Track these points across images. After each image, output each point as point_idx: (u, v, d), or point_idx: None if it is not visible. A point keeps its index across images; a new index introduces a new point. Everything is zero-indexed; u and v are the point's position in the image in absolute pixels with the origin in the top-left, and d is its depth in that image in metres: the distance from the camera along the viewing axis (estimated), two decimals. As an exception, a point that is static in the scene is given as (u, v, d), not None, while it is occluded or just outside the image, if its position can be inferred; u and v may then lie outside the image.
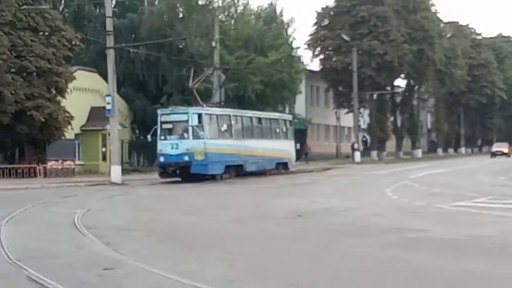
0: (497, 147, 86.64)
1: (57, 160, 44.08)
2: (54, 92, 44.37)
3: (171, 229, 17.92)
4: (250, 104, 55.28)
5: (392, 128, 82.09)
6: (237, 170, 41.23)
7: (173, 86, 55.80)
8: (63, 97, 44.99)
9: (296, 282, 10.41)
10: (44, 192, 31.78)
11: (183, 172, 37.48)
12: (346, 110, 75.97)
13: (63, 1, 58.48)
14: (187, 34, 54.63)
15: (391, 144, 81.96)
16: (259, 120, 45.51)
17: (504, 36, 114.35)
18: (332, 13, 74.70)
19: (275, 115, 50.03)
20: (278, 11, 64.45)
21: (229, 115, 41.89)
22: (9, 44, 41.20)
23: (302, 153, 65.00)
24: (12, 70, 41.64)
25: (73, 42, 45.64)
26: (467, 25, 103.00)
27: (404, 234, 15.78)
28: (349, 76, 68.27)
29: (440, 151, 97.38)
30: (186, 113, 38.16)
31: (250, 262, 12.46)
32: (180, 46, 57.07)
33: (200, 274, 10.82)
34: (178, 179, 38.22)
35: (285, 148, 47.58)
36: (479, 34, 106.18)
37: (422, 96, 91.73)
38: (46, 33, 44.23)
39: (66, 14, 55.16)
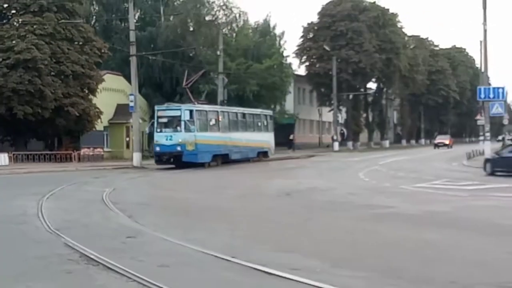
0: (439, 139, 79.11)
1: (89, 148, 44.07)
2: (86, 91, 44.41)
3: (182, 204, 17.93)
4: (248, 102, 55.26)
5: (364, 123, 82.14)
6: (223, 158, 39.11)
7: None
8: (94, 95, 45.08)
9: (285, 247, 10.47)
10: (78, 174, 31.79)
11: (176, 160, 35.62)
12: (327, 108, 75.86)
13: (94, 17, 58.33)
14: (196, 44, 54.68)
15: (364, 136, 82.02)
16: (243, 115, 43.45)
17: (457, 47, 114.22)
18: (316, 28, 74.60)
19: (257, 111, 47.16)
20: (271, 26, 64.52)
21: (217, 111, 40.13)
22: (50, 52, 41.15)
23: (293, 143, 64.82)
24: (52, 73, 41.59)
25: (103, 51, 45.63)
26: (427, 38, 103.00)
27: (374, 210, 15.81)
28: (330, 80, 68.09)
29: (404, 142, 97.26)
30: (179, 109, 36.51)
31: (247, 231, 12.47)
32: (191, 54, 56.90)
33: (206, 241, 10.83)
34: (173, 165, 36.20)
35: (266, 139, 45.50)
36: (437, 46, 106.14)
37: (390, 96, 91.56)
38: (80, 43, 44.22)
39: (97, 27, 54.93)
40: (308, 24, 75.47)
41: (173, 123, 36.13)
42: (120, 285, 7.97)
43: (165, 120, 36.40)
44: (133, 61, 39.70)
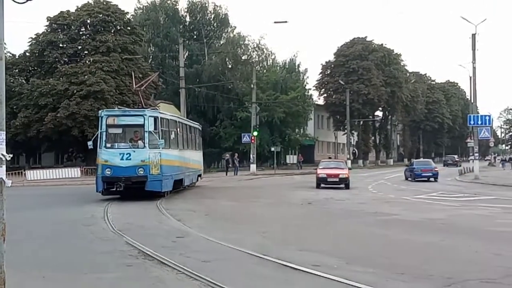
0: (327, 168, 30.72)
1: (145, 163, 44.25)
2: (144, 117, 44.81)
3: (222, 210, 17.93)
4: (276, 127, 55.44)
5: (372, 144, 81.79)
6: (175, 185, 23.16)
7: (224, 114, 56.06)
8: (150, 121, 45.41)
9: (308, 247, 10.41)
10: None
11: (134, 188, 20.50)
12: (341, 131, 75.69)
13: (151, 56, 59.06)
14: (234, 79, 55.14)
15: (372, 155, 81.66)
16: (190, 128, 27.89)
17: (451, 82, 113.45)
18: (332, 65, 74.69)
19: (195, 123, 30.78)
20: (296, 64, 64.73)
21: (176, 121, 24.41)
22: (115, 85, 41.79)
23: (300, 162, 61.85)
24: (116, 102, 42.00)
25: (157, 84, 46.13)
26: (425, 74, 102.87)
27: (380, 217, 15.67)
28: (344, 109, 67.82)
29: (406, 160, 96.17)
30: (142, 115, 20.68)
31: (276, 234, 12.42)
32: (229, 87, 57.25)
33: (242, 241, 10.81)
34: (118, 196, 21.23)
35: (200, 159, 30.49)
36: (433, 80, 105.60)
37: (394, 122, 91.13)
38: (140, 77, 44.71)
39: (153, 65, 55.59)
40: (326, 62, 75.74)
41: (132, 135, 21.18)
42: (171, 276, 7.99)
43: (119, 130, 21.35)
44: (182, 92, 40.11)
